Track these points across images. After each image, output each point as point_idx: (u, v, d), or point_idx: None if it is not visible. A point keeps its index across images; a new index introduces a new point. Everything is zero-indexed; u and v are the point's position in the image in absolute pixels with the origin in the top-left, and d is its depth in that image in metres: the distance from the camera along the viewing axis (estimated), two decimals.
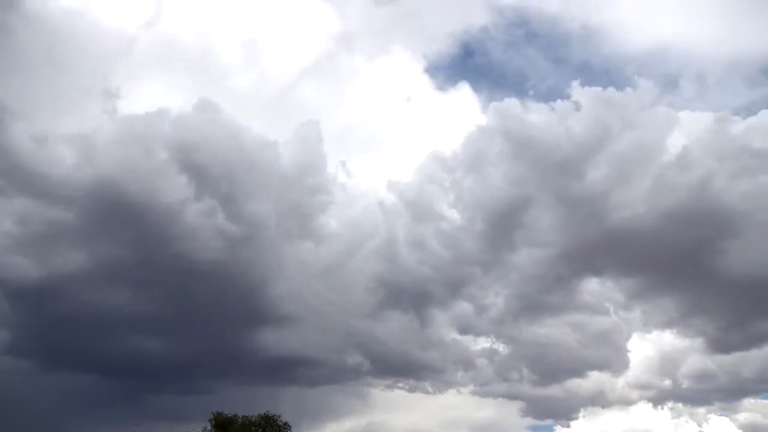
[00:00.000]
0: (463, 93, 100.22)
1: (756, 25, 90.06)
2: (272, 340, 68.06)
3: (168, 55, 79.73)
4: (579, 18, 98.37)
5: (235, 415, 44.38)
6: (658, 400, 75.56)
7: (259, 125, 67.62)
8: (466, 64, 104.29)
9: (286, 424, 44.70)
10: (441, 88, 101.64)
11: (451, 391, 73.83)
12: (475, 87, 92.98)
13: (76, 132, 59.34)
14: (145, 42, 76.41)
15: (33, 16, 62.64)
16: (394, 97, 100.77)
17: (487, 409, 77.88)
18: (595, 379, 75.22)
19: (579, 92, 69.64)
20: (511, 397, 74.53)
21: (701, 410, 74.74)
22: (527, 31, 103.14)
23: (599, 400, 76.47)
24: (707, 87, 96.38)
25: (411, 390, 72.86)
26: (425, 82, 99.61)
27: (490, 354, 73.78)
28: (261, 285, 65.75)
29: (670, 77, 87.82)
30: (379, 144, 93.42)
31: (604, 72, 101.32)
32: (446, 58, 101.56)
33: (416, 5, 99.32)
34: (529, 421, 76.36)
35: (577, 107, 68.39)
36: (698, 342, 73.39)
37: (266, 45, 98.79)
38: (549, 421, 76.81)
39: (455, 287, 71.76)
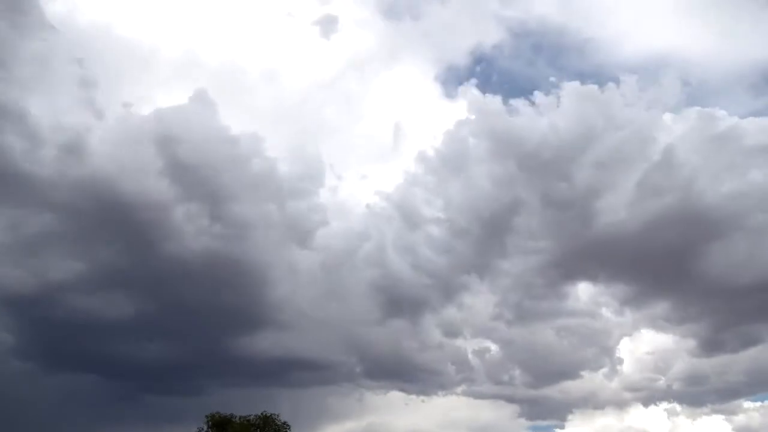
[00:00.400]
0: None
1: (759, 34, 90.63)
2: (267, 343, 68.23)
3: (189, 70, 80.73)
4: (583, 30, 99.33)
5: (232, 415, 44.15)
6: (650, 401, 76.81)
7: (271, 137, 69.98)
8: (474, 74, 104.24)
9: (285, 423, 44.00)
10: (449, 95, 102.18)
11: (446, 393, 74.79)
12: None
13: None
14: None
15: (52, 22, 62.93)
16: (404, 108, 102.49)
17: (484, 411, 78.55)
18: (588, 381, 76.46)
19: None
20: (507, 398, 75.81)
21: (694, 411, 75.91)
22: (533, 43, 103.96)
23: (592, 402, 77.57)
24: (710, 97, 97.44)
25: (407, 392, 73.49)
26: (434, 92, 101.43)
27: (486, 357, 74.91)
28: (257, 288, 66.31)
29: (672, 88, 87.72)
30: (386, 153, 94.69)
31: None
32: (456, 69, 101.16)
33: (429, 25, 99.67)
34: (525, 422, 77.24)
35: (558, 102, 70.97)
36: (690, 344, 74.70)
37: (284, 63, 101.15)
38: (541, 422, 77.92)
39: (448, 292, 73.30)
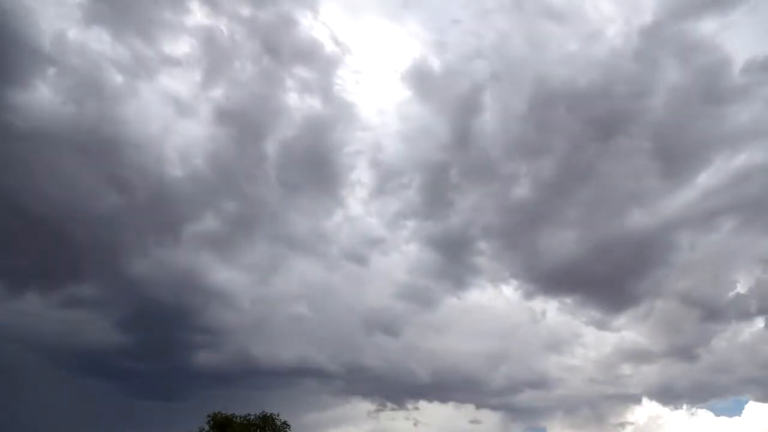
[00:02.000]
0: None
1: None
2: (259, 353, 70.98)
3: None
4: None
5: (233, 415, 44.42)
6: (625, 401, 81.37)
7: None
8: None
9: (284, 423, 44.47)
10: None
11: (438, 403, 78.84)
12: None
13: None
14: None
15: None
16: None
17: (471, 417, 79.91)
18: (561, 386, 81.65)
19: None
20: (491, 405, 79.90)
21: (666, 409, 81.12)
22: None
23: (566, 405, 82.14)
24: None
25: (392, 400, 76.58)
26: None
27: (472, 364, 76.65)
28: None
29: None
30: None
31: None
32: None
33: None
34: (514, 425, 79.13)
35: None
36: (660, 349, 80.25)
37: None
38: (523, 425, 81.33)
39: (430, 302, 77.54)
